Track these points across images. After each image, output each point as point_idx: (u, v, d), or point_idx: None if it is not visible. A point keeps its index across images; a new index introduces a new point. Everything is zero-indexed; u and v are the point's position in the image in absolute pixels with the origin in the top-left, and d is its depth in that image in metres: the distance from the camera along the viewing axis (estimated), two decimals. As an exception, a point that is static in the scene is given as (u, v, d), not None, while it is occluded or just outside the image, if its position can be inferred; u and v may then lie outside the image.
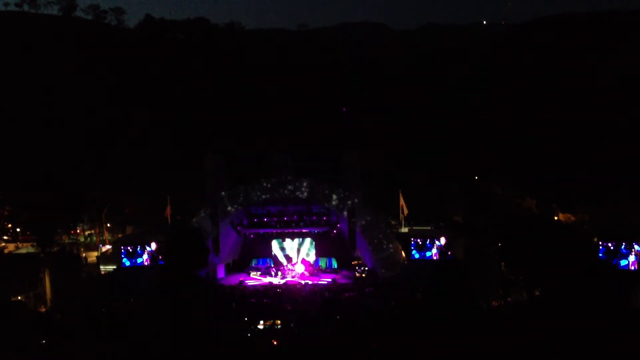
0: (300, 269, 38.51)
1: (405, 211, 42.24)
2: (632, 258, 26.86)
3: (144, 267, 33.16)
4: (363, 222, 36.00)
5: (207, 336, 4.64)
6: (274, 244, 40.12)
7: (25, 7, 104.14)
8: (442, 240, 33.97)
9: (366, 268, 37.40)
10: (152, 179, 56.69)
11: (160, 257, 33.49)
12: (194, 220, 37.00)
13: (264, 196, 37.02)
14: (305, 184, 36.61)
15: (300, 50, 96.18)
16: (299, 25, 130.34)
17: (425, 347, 4.90)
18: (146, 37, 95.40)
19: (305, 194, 36.64)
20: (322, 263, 40.47)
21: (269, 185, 36.83)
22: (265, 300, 31.30)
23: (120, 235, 50.27)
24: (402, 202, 41.70)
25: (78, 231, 54.65)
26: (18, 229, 52.16)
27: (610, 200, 48.45)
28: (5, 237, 51.57)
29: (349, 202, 35.86)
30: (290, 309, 26.58)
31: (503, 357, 5.13)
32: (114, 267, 36.34)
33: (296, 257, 39.75)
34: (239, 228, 39.02)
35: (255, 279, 37.69)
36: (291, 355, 12.78)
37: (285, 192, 36.76)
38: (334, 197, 36.31)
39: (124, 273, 33.19)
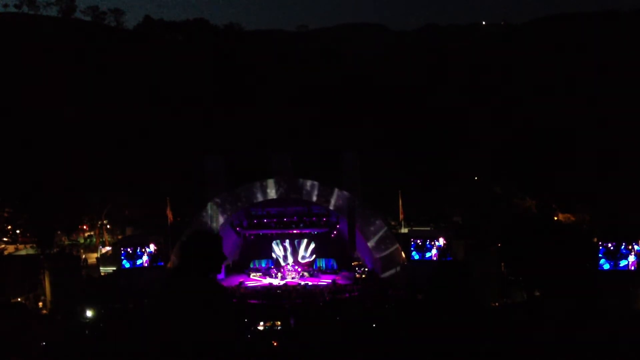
0: (300, 270, 38.53)
1: (401, 215, 42.40)
2: (632, 258, 26.86)
3: (144, 268, 33.16)
4: (363, 223, 35.98)
5: (219, 341, 4.61)
6: (274, 245, 40.14)
7: (25, 9, 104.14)
8: (442, 241, 33.97)
9: (366, 269, 37.41)
10: (151, 180, 56.68)
11: (158, 258, 33.51)
12: (195, 221, 36.98)
13: (263, 197, 37.02)
14: (305, 184, 36.61)
15: (300, 50, 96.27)
16: (299, 26, 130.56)
17: (426, 347, 4.90)
18: (146, 38, 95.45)
19: (305, 194, 36.64)
20: (322, 264, 40.48)
21: (268, 186, 36.83)
22: (265, 302, 31.31)
23: (120, 237, 50.20)
24: (400, 204, 41.81)
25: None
26: (18, 231, 52.09)
27: (610, 201, 48.44)
28: (4, 239, 51.50)
29: (349, 203, 35.84)
30: (290, 310, 26.56)
31: (503, 357, 5.12)
32: (114, 268, 36.33)
33: (296, 258, 39.77)
34: (238, 229, 39.00)
35: (255, 280, 37.68)
36: (291, 356, 12.79)
37: (285, 192, 36.77)
38: (334, 197, 36.29)
39: (124, 274, 33.18)
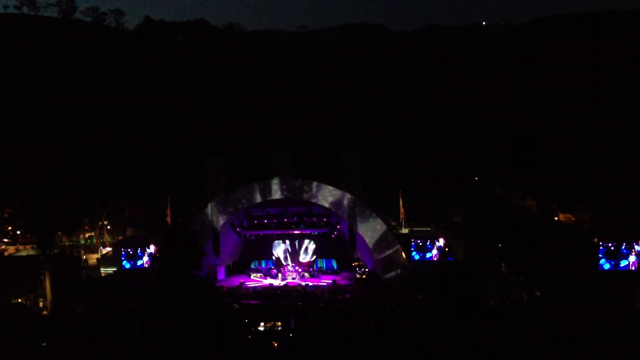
0: (300, 270, 38.53)
1: (402, 216, 42.43)
2: (632, 258, 26.84)
3: (144, 269, 33.14)
4: (363, 223, 35.97)
5: (204, 337, 4.62)
6: (275, 246, 40.13)
7: (25, 10, 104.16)
8: (442, 241, 33.93)
9: (366, 269, 37.39)
10: (152, 181, 56.75)
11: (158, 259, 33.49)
12: (195, 222, 36.98)
13: (263, 198, 37.00)
14: (308, 185, 36.59)
15: (300, 51, 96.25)
16: (299, 27, 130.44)
17: (427, 348, 4.90)
18: (146, 38, 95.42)
19: (308, 195, 36.62)
20: (323, 264, 40.46)
21: (272, 187, 36.81)
22: (265, 302, 31.32)
23: (120, 238, 50.22)
24: (400, 204, 41.83)
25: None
26: (18, 232, 52.10)
27: (611, 201, 48.45)
28: (5, 240, 51.50)
29: (349, 203, 35.83)
30: (291, 311, 26.56)
31: (503, 357, 5.12)
32: (115, 269, 36.32)
33: (297, 258, 39.78)
34: (238, 229, 38.99)
35: (255, 280, 37.68)
36: (292, 357, 12.78)
37: (289, 193, 36.74)
38: (335, 198, 36.27)
39: (124, 275, 33.17)
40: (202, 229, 35.40)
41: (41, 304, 31.61)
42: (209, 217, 36.40)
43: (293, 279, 37.30)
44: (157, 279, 4.86)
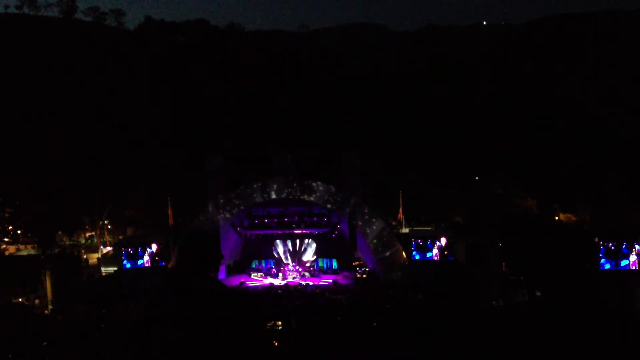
0: (301, 270, 38.57)
1: (400, 216, 42.45)
2: (632, 258, 26.87)
3: (145, 268, 33.17)
4: (364, 223, 36.00)
5: (217, 338, 4.61)
6: (276, 245, 40.18)
7: (26, 10, 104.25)
8: (443, 241, 33.93)
9: (367, 269, 37.42)
10: (152, 180, 56.77)
11: (159, 258, 33.52)
12: (195, 222, 36.99)
13: (264, 197, 37.02)
14: (306, 184, 36.62)
15: (300, 51, 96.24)
16: (299, 27, 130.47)
17: (426, 347, 4.91)
18: (146, 38, 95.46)
19: (306, 194, 36.64)
20: (323, 264, 40.51)
21: (274, 187, 36.83)
22: (266, 302, 31.34)
23: (121, 237, 50.25)
24: (400, 203, 41.84)
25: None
26: (19, 231, 52.16)
27: (611, 200, 48.45)
28: (5, 239, 51.55)
29: (350, 203, 35.86)
30: (292, 310, 26.57)
31: (503, 357, 5.12)
32: (115, 268, 36.37)
33: (298, 258, 39.82)
34: (239, 229, 39.03)
35: (256, 280, 37.72)
36: (292, 356, 12.80)
37: (290, 193, 36.77)
38: (334, 197, 36.31)
39: (125, 275, 33.20)
40: (202, 228, 35.45)
41: (39, 303, 31.63)
42: (210, 217, 36.43)
43: (294, 278, 37.34)
44: (172, 278, 4.83)
